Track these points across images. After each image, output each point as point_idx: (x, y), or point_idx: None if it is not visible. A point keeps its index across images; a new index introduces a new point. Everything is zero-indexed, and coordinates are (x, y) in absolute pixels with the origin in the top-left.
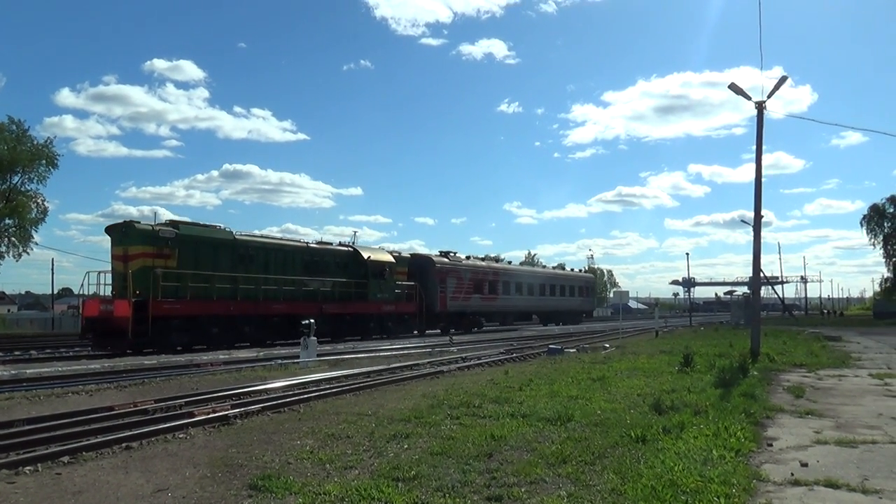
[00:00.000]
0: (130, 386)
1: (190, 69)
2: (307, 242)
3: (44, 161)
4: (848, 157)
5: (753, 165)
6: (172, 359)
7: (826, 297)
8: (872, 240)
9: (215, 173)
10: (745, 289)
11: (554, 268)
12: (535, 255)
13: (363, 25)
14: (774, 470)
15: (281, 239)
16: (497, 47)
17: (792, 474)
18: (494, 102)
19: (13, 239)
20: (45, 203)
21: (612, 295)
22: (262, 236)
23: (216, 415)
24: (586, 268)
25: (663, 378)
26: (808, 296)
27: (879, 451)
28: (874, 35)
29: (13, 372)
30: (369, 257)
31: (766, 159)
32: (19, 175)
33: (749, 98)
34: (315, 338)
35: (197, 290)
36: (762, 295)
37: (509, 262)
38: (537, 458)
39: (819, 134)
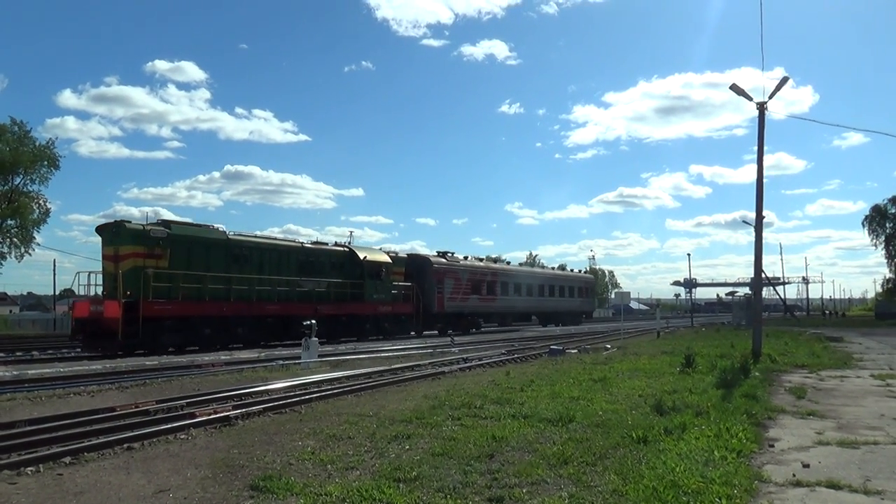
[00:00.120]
0: (132, 387)
1: (191, 70)
2: (302, 242)
3: (45, 162)
4: (849, 158)
5: (755, 166)
6: (174, 359)
7: (828, 297)
8: (874, 240)
9: (217, 174)
10: (746, 289)
11: (553, 268)
12: (536, 255)
13: (364, 26)
14: (776, 471)
15: (275, 239)
16: (498, 48)
17: (794, 475)
18: (495, 103)
19: (15, 240)
20: (47, 204)
21: (613, 296)
22: (256, 236)
23: (218, 415)
24: (587, 268)
25: (665, 379)
26: (810, 296)
27: (881, 452)
28: (875, 36)
29: (15, 373)
30: (365, 257)
31: (768, 160)
32: (21, 176)
33: (750, 99)
34: (316, 338)
35: (189, 291)
36: (764, 296)
37: (508, 263)
38: (539, 459)
39: (820, 135)
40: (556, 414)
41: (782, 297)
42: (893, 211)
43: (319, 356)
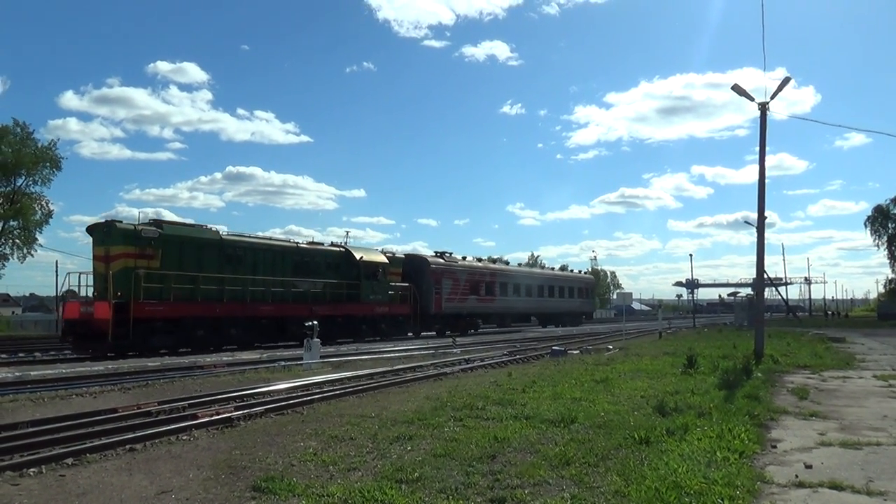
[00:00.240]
0: (134, 388)
1: (193, 71)
2: (297, 242)
3: (48, 164)
4: (851, 158)
5: (757, 167)
6: (176, 360)
7: (830, 298)
8: (877, 241)
9: (219, 175)
10: (748, 290)
11: (553, 269)
12: (538, 256)
13: (366, 28)
14: (778, 472)
15: (270, 239)
16: (499, 49)
17: (796, 476)
18: (497, 104)
19: (17, 241)
20: (50, 205)
21: (615, 296)
22: (250, 236)
23: (220, 417)
24: (589, 269)
25: (667, 380)
26: (812, 297)
27: (884, 453)
28: (877, 36)
29: (18, 374)
30: (362, 258)
31: (770, 160)
32: (23, 177)
33: (752, 99)
34: (318, 339)
35: (181, 292)
36: (766, 296)
37: (507, 263)
38: (540, 460)
39: (822, 135)
40: (558, 415)
41: (784, 297)
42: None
43: (321, 357)
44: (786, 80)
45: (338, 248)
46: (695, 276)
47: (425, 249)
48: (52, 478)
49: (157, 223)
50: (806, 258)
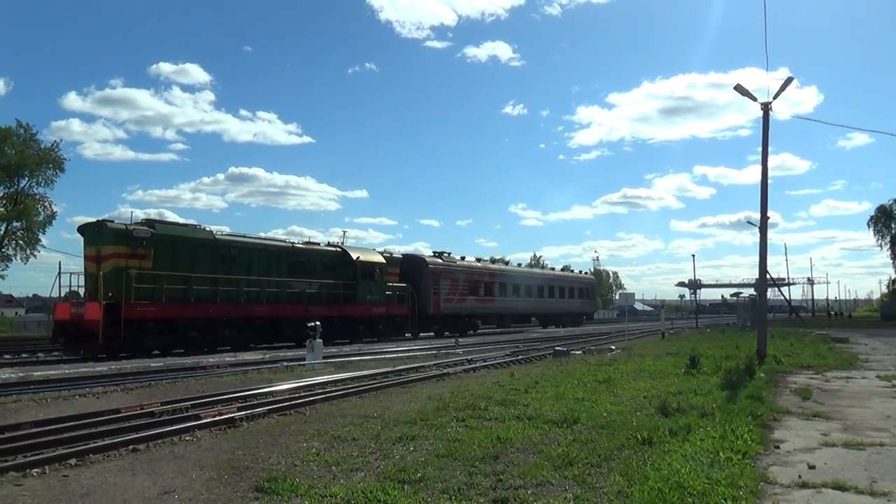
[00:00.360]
0: (137, 388)
1: (196, 72)
2: (293, 243)
3: (51, 165)
4: (854, 159)
5: (759, 167)
6: (179, 361)
7: (833, 298)
8: (880, 241)
9: (221, 176)
10: (751, 290)
11: (553, 269)
12: (540, 256)
13: (368, 28)
14: (782, 472)
15: (265, 239)
16: (502, 49)
17: (799, 476)
18: (499, 104)
19: (21, 242)
20: (53, 206)
21: (617, 297)
22: (244, 236)
23: (222, 417)
24: (591, 269)
25: (669, 380)
26: (815, 297)
27: (887, 454)
28: (880, 36)
29: (21, 374)
30: (358, 258)
31: (772, 160)
32: (27, 178)
33: (755, 99)
34: (321, 340)
35: (173, 292)
36: (768, 297)
37: (507, 263)
38: (543, 461)
39: (825, 135)
40: (561, 415)
41: (787, 297)
42: None
43: (324, 357)
44: (788, 80)
45: (334, 248)
46: (697, 277)
47: (427, 250)
48: (56, 478)
49: (150, 223)
50: (809, 258)
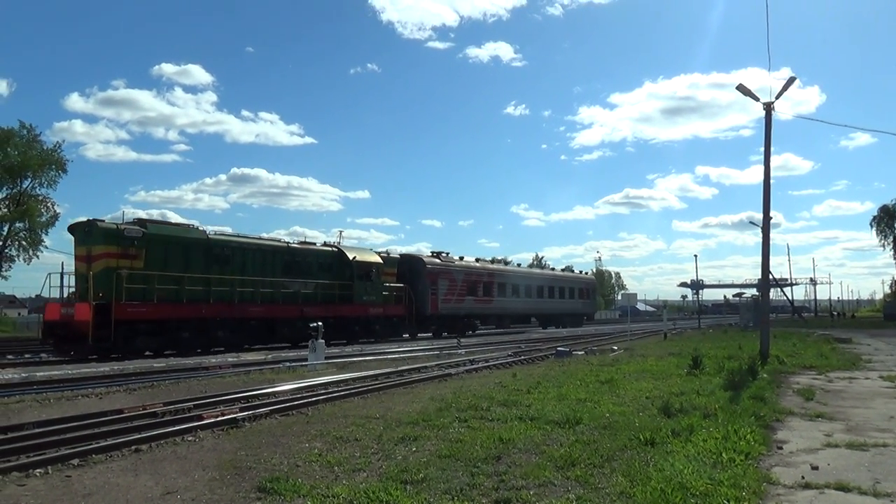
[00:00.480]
0: (139, 389)
1: (198, 73)
2: (288, 242)
3: (53, 166)
4: (857, 159)
5: (761, 167)
6: (181, 362)
7: (835, 298)
8: (882, 241)
9: (223, 177)
10: (753, 291)
11: (554, 269)
12: (542, 257)
13: (370, 29)
14: (785, 473)
15: (259, 238)
16: (503, 50)
17: (802, 477)
18: (501, 105)
19: (24, 243)
20: (56, 207)
21: (619, 297)
22: (238, 236)
23: (225, 417)
24: (594, 270)
25: (672, 381)
26: (818, 298)
27: (891, 454)
28: (882, 36)
29: (24, 375)
30: (355, 258)
31: (775, 161)
32: (30, 179)
33: (757, 99)
34: (323, 340)
35: (165, 293)
36: (771, 297)
37: (506, 263)
38: (546, 461)
39: (827, 135)
40: (563, 416)
41: (790, 298)
42: None
43: (326, 358)
44: (791, 80)
45: (330, 248)
46: (700, 277)
47: (429, 251)
48: (58, 478)
49: (141, 222)
50: (811, 258)
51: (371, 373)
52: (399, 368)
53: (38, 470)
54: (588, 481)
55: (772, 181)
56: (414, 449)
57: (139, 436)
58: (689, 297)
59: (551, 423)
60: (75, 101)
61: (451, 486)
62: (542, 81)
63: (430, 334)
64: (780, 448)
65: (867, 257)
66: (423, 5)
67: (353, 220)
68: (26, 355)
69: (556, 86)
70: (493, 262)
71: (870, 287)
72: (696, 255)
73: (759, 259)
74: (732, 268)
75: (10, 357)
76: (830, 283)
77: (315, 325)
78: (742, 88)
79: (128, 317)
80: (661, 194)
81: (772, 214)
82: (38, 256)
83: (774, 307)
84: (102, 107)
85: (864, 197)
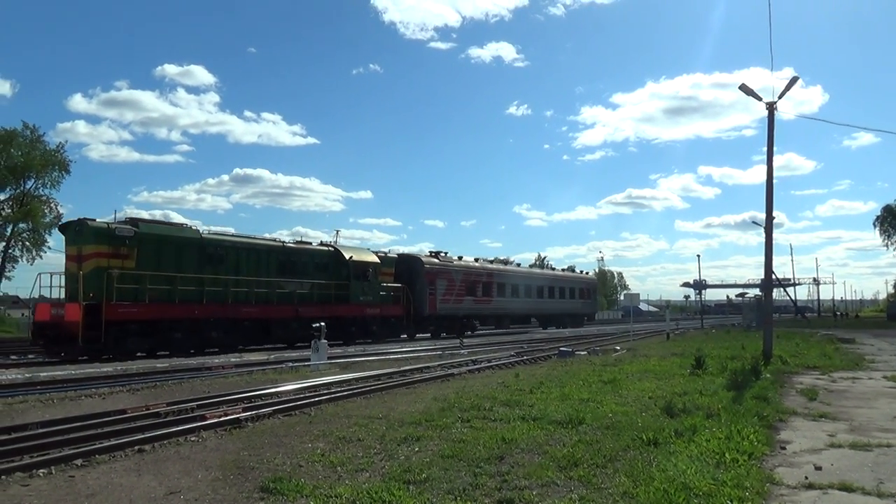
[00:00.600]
0: (142, 389)
1: (201, 74)
2: (283, 242)
3: (56, 166)
4: (860, 158)
5: (764, 167)
6: (184, 362)
7: (839, 298)
8: (886, 241)
9: (226, 177)
10: (756, 291)
11: (554, 269)
12: (545, 257)
13: (372, 30)
14: (788, 473)
15: (254, 238)
16: (506, 50)
17: (806, 478)
18: (503, 105)
19: (27, 243)
20: (59, 208)
21: (622, 297)
22: (232, 235)
23: (228, 418)
24: (596, 270)
25: (675, 381)
26: (821, 297)
27: (894, 454)
28: (885, 35)
29: (28, 375)
30: (351, 257)
31: (777, 160)
32: (33, 180)
33: (759, 99)
34: (325, 341)
35: (157, 293)
36: (774, 297)
37: (506, 263)
38: (548, 461)
39: (830, 135)
40: (566, 416)
41: (793, 298)
42: None
43: (329, 358)
44: (793, 80)
45: (326, 248)
46: (702, 277)
47: (431, 250)
48: (62, 478)
49: (133, 221)
50: (814, 258)
51: (373, 373)
52: (401, 368)
53: (41, 470)
54: (591, 481)
55: (774, 181)
56: (417, 449)
57: (142, 436)
58: (692, 298)
59: (554, 423)
60: (78, 102)
61: (454, 486)
62: (545, 81)
63: (428, 335)
64: (784, 448)
65: (870, 257)
66: (425, 6)
67: (356, 220)
68: (30, 356)
69: (559, 86)
70: (492, 261)
71: (873, 287)
72: (698, 255)
73: (762, 259)
74: (735, 268)
75: (13, 357)
76: (833, 283)
77: (318, 325)
78: (745, 88)
79: (119, 317)
80: (663, 194)
81: (775, 214)
82: (41, 257)
83: (777, 307)
84: (105, 107)
85: (867, 197)
